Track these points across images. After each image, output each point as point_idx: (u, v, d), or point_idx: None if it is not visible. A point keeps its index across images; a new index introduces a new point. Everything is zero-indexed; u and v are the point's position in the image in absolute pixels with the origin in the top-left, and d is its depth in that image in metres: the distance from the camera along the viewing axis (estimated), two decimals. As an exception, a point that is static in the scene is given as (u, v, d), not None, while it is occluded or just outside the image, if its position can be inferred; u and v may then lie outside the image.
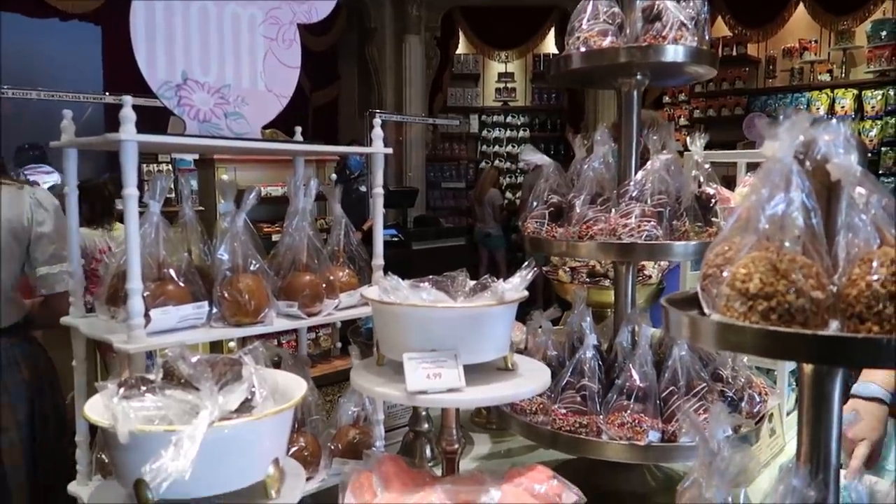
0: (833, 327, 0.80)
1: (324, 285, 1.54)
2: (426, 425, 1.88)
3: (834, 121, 0.84)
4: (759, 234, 0.84)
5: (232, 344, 2.43)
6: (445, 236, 7.95)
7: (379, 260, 1.65)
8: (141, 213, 1.33)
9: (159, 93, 1.44)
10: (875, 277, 0.76)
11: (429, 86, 10.44)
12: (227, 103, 1.55)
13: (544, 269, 2.51)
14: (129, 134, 1.24)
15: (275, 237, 2.50)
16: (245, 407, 1.07)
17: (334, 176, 4.81)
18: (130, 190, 1.26)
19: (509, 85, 11.27)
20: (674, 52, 1.55)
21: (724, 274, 0.85)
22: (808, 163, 0.85)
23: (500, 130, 11.28)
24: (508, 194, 10.71)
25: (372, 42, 10.12)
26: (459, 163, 11.26)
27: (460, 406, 1.28)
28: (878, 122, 7.93)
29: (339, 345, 2.64)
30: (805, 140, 0.85)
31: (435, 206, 10.70)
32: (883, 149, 7.85)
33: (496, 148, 11.29)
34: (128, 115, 1.25)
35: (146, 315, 1.30)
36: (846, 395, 1.76)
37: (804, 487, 0.79)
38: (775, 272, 0.80)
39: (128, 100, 1.26)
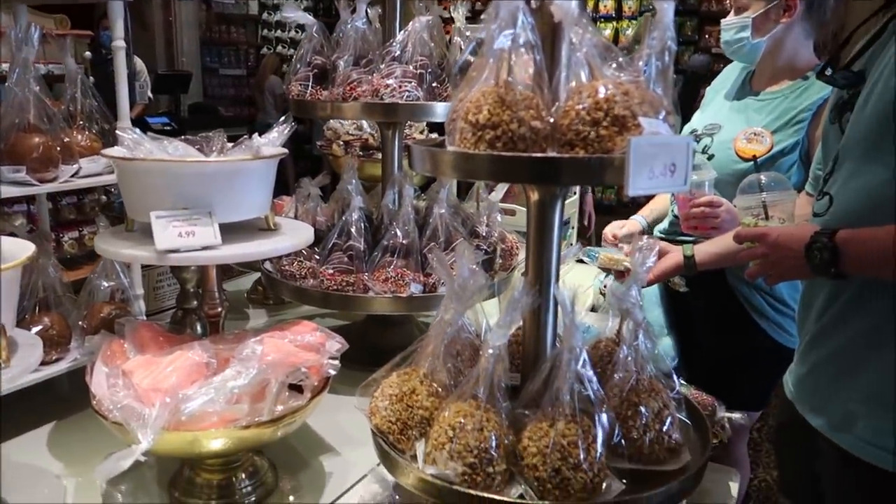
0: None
1: (58, 148, 1.38)
2: (195, 302, 1.82)
3: (556, -37, 0.89)
4: (490, 70, 0.89)
5: None
6: (225, 126, 7.45)
7: (125, 122, 1.50)
8: None
9: None
10: (581, 107, 0.84)
11: (199, -42, 9.43)
12: None
13: (319, 143, 2.47)
14: None
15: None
16: (-44, 272, 0.95)
17: (88, 54, 4.24)
18: None
19: (290, -37, 10.53)
20: None
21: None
22: (533, 2, 0.90)
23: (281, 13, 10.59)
24: (293, 83, 10.25)
25: None
26: (238, 48, 10.45)
27: (216, 262, 1.24)
28: (634, 23, 8.68)
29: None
30: (532, -19, 0.89)
31: (213, 95, 9.92)
32: (636, 47, 8.65)
33: (278, 33, 10.62)
34: None
35: None
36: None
37: (523, 296, 0.89)
38: (502, 104, 0.86)
39: None
